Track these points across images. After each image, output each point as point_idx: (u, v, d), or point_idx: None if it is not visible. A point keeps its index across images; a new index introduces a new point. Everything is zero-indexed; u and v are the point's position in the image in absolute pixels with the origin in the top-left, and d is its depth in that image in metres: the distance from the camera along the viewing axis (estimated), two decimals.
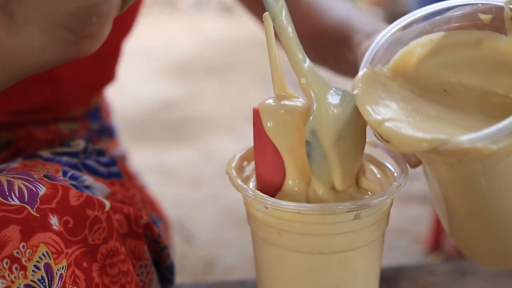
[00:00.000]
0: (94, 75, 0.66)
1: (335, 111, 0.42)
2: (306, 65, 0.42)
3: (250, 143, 0.48)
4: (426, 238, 1.33)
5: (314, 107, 0.42)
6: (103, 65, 0.66)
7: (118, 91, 1.61)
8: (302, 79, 0.42)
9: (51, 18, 0.36)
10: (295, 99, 0.45)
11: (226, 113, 2.15)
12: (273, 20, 0.41)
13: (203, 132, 1.99)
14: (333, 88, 0.43)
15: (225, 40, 2.92)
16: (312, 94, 0.42)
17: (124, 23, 0.64)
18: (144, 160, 1.69)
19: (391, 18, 2.97)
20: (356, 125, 0.43)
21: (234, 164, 0.48)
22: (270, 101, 0.45)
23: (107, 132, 0.72)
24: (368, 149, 0.48)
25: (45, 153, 0.54)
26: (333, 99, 0.42)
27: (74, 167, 0.53)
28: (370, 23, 0.57)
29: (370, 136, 0.46)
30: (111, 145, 0.71)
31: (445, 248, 1.28)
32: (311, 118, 0.42)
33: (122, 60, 0.69)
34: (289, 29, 0.41)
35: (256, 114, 0.44)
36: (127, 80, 2.14)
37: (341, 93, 0.43)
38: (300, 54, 0.42)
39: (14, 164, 0.48)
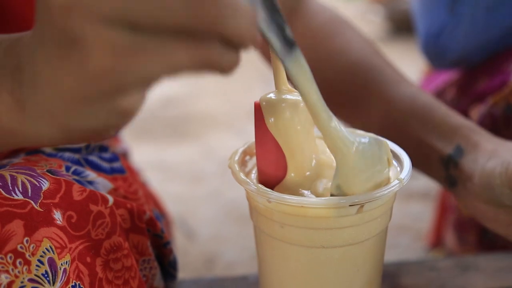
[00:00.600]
0: None
1: (363, 168, 0.43)
2: (332, 124, 0.41)
3: (251, 140, 0.48)
4: (427, 235, 1.33)
5: (340, 166, 0.42)
6: None
7: None
8: (328, 139, 0.41)
9: (64, 125, 0.33)
10: (297, 94, 0.45)
11: (227, 110, 2.15)
12: (295, 87, 0.38)
13: (204, 129, 1.99)
14: (357, 142, 0.43)
15: None
16: (339, 154, 0.42)
17: None
18: (145, 157, 1.69)
19: (391, 16, 2.97)
20: (380, 169, 0.44)
21: (236, 158, 0.48)
22: (272, 95, 0.45)
23: None
24: None
25: (48, 149, 0.54)
26: (360, 157, 0.42)
27: (77, 162, 0.53)
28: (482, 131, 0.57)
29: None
30: (112, 141, 0.71)
31: (446, 245, 1.28)
32: (337, 175, 0.42)
33: None
34: (314, 94, 0.38)
35: (258, 109, 0.44)
36: None
37: (367, 144, 0.43)
38: (325, 114, 0.40)
39: (17, 160, 0.48)
